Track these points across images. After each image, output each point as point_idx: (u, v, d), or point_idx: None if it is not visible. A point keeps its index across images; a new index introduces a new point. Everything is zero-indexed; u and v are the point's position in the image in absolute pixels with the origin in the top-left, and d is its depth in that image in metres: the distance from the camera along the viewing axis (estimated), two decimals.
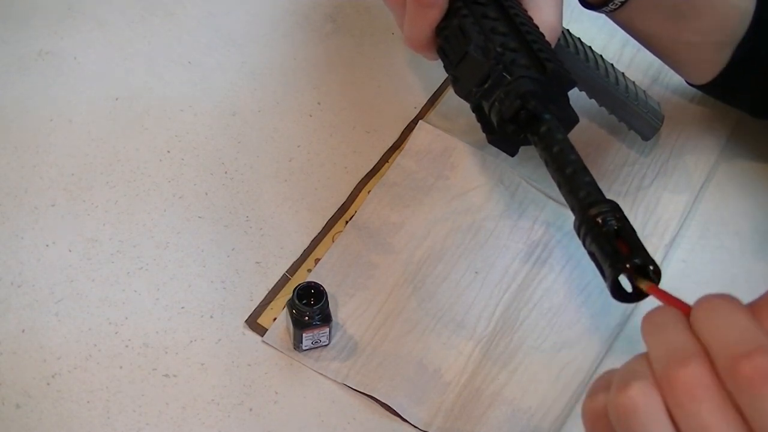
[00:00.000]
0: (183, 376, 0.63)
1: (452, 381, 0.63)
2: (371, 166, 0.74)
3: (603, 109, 0.72)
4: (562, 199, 0.54)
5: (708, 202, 0.74)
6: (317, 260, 0.68)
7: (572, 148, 0.54)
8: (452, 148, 0.74)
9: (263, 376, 0.63)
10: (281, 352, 0.64)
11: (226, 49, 0.80)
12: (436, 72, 0.72)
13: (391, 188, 0.72)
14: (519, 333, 0.66)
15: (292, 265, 0.68)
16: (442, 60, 0.63)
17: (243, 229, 0.70)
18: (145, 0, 0.83)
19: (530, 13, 0.61)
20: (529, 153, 0.60)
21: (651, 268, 0.48)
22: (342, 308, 0.66)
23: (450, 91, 0.77)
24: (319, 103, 0.78)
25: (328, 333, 0.63)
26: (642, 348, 0.67)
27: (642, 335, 0.45)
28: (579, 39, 0.71)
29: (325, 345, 0.64)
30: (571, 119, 0.58)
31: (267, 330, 0.65)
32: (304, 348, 0.64)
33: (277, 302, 0.66)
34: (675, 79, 0.77)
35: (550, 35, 0.61)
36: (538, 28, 0.60)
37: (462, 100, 0.61)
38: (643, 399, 0.42)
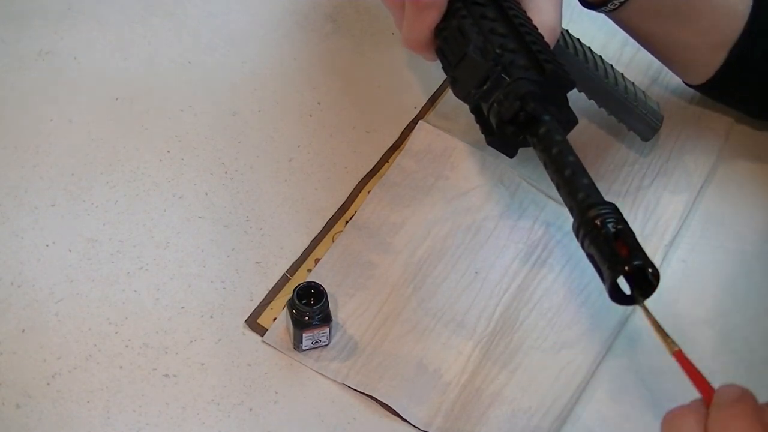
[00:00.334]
0: (183, 376, 0.63)
1: (452, 381, 0.63)
2: (371, 166, 0.74)
3: (603, 109, 0.72)
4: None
5: (708, 202, 0.75)
6: (317, 260, 0.68)
7: (571, 149, 0.54)
8: (452, 148, 0.74)
9: (263, 376, 0.63)
10: (281, 352, 0.64)
11: (226, 49, 0.80)
12: (436, 72, 0.72)
13: (391, 188, 0.72)
14: (519, 333, 0.66)
15: (292, 265, 0.68)
16: (441, 61, 0.63)
17: (243, 229, 0.70)
18: (145, 0, 0.83)
19: (529, 14, 0.61)
20: (528, 153, 0.60)
21: (650, 270, 0.48)
22: (342, 308, 0.66)
23: (450, 91, 0.77)
24: (319, 103, 0.78)
25: (328, 333, 0.63)
26: (641, 350, 0.67)
27: None
28: (578, 40, 0.71)
29: (325, 345, 0.64)
30: (570, 121, 0.58)
31: (267, 330, 0.65)
32: (304, 348, 0.64)
33: (277, 302, 0.66)
34: (674, 79, 0.77)
35: (550, 36, 0.60)
36: (537, 29, 0.60)
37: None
38: None
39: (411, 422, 0.62)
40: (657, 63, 0.76)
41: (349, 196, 0.72)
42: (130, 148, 0.73)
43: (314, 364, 0.64)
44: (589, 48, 0.71)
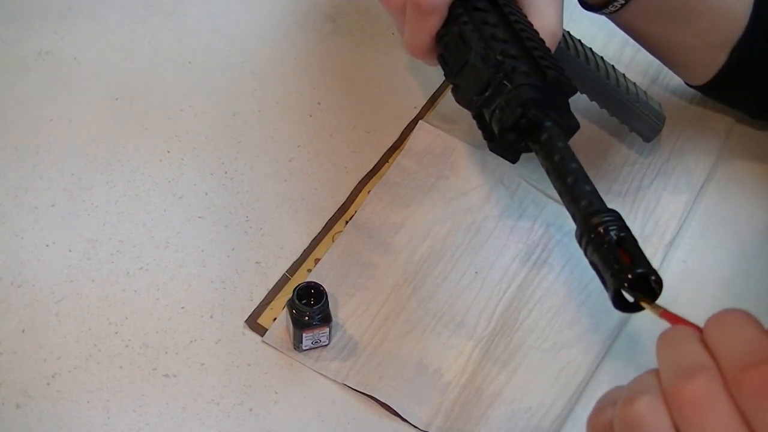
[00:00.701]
0: (183, 376, 0.63)
1: (452, 381, 0.64)
2: (371, 166, 0.74)
3: (604, 110, 0.72)
4: None
5: (708, 202, 0.74)
6: (317, 260, 0.68)
7: (573, 156, 0.54)
8: (452, 148, 0.74)
9: (263, 376, 0.63)
10: (281, 352, 0.64)
11: (226, 49, 0.80)
12: (436, 72, 0.72)
13: (391, 188, 0.72)
14: (519, 333, 0.66)
15: (292, 265, 0.68)
16: (443, 68, 0.62)
17: (243, 229, 0.70)
18: (145, 0, 0.83)
19: (530, 18, 0.61)
20: (528, 154, 0.60)
21: (653, 278, 0.49)
22: (342, 308, 0.66)
23: (450, 92, 0.77)
24: (319, 103, 0.78)
25: (328, 333, 0.63)
26: (641, 350, 0.67)
27: (656, 354, 0.44)
28: (580, 41, 0.71)
29: (325, 345, 0.64)
30: (571, 126, 0.57)
31: (267, 330, 0.65)
32: (304, 348, 0.64)
33: (277, 302, 0.66)
34: (675, 79, 0.77)
35: (551, 40, 0.60)
36: (538, 33, 0.60)
37: None
38: (650, 412, 0.41)
39: (411, 422, 0.62)
40: (657, 63, 0.76)
41: (349, 196, 0.72)
42: (130, 148, 0.73)
43: (314, 364, 0.64)
44: (591, 49, 0.71)
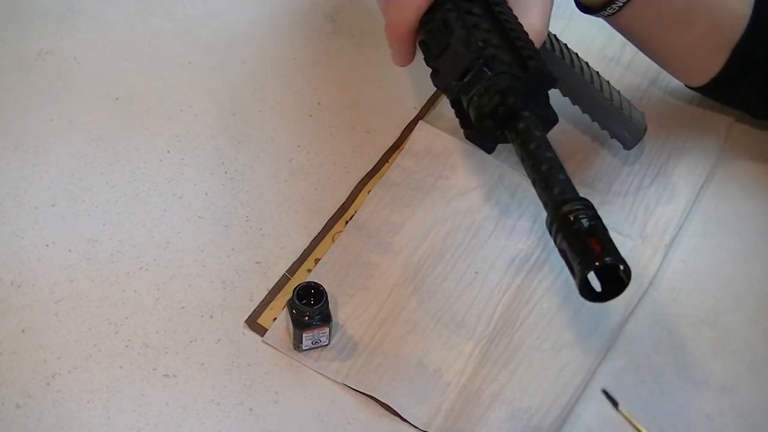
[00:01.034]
0: (183, 376, 0.63)
1: (452, 381, 0.63)
2: (371, 166, 0.74)
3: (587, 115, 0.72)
4: None
5: (708, 202, 0.74)
6: (317, 260, 0.68)
7: (549, 145, 0.54)
8: (452, 148, 0.74)
9: (263, 376, 0.63)
10: (281, 352, 0.64)
11: (226, 49, 0.80)
12: None
13: (391, 188, 0.72)
14: (519, 333, 0.66)
15: (292, 265, 0.68)
16: (423, 52, 0.62)
17: (243, 229, 0.70)
18: (145, 0, 0.83)
19: (517, 14, 0.61)
20: (506, 144, 0.60)
21: (621, 268, 0.48)
22: (342, 308, 0.66)
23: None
24: (319, 103, 0.78)
25: (328, 333, 0.63)
26: (641, 350, 0.67)
27: None
28: (566, 45, 0.71)
29: (325, 345, 0.64)
30: (550, 119, 0.57)
31: (267, 330, 0.65)
32: (304, 348, 0.64)
33: (277, 302, 0.66)
34: (674, 80, 0.77)
35: (536, 38, 0.60)
36: (522, 27, 0.60)
37: None
38: None
39: (411, 422, 0.62)
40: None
41: (349, 196, 0.72)
42: (129, 148, 0.73)
43: (314, 364, 0.64)
44: (576, 54, 0.71)
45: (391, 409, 0.62)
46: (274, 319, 0.65)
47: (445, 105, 0.77)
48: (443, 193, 0.72)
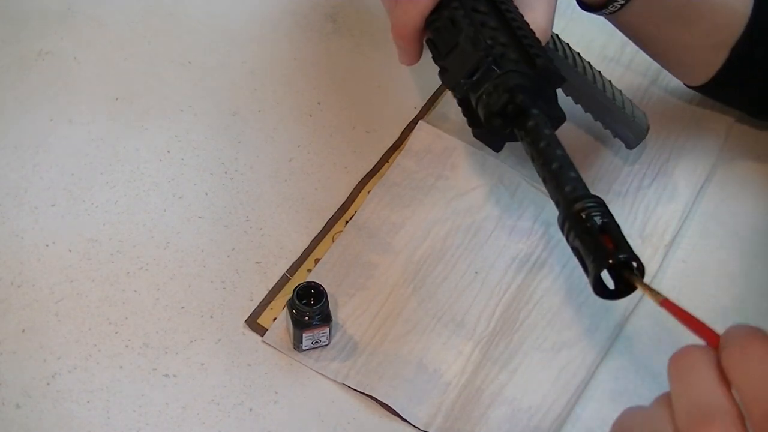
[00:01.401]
0: (183, 376, 0.63)
1: (452, 381, 0.63)
2: (371, 166, 0.74)
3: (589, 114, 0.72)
4: None
5: (708, 202, 0.75)
6: (317, 260, 0.68)
7: (559, 143, 0.54)
8: (452, 148, 0.74)
9: (263, 376, 0.63)
10: (281, 352, 0.64)
11: (226, 49, 0.80)
12: (436, 72, 0.72)
13: (391, 188, 0.72)
14: (519, 333, 0.66)
15: (292, 265, 0.68)
16: (431, 51, 0.62)
17: (243, 229, 0.70)
18: (145, 0, 0.83)
19: (522, 11, 0.61)
20: (516, 143, 0.60)
21: (635, 264, 0.48)
22: (342, 308, 0.66)
23: (450, 92, 0.77)
24: (319, 103, 0.78)
25: (328, 333, 0.63)
26: (641, 350, 0.67)
27: (668, 377, 0.42)
28: (568, 45, 0.71)
29: (325, 345, 0.64)
30: (558, 117, 0.57)
31: (267, 330, 0.65)
32: (304, 348, 0.64)
33: (277, 302, 0.66)
34: (674, 79, 0.77)
35: (541, 36, 0.60)
36: (528, 25, 0.60)
37: None
38: None
39: (411, 422, 0.62)
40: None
41: (349, 196, 0.72)
42: (129, 148, 0.73)
43: (314, 364, 0.64)
44: (579, 53, 0.71)
45: (391, 409, 0.62)
46: (274, 319, 0.65)
47: (445, 105, 0.77)
48: (443, 193, 0.72)
